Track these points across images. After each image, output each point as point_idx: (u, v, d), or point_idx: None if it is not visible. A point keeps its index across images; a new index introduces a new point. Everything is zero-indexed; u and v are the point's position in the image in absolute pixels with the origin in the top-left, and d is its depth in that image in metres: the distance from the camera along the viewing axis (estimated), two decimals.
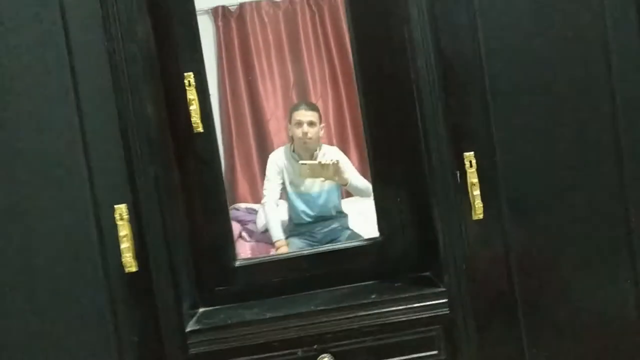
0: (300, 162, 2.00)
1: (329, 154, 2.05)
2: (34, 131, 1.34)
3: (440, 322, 1.39)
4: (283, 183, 2.08)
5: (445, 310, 1.38)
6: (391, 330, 1.40)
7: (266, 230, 2.11)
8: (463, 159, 1.34)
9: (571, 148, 1.38)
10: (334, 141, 2.22)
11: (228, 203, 1.59)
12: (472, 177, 1.33)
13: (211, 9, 2.21)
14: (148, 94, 1.37)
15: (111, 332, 1.37)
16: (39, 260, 1.36)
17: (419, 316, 1.40)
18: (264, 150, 2.22)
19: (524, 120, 1.37)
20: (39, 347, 1.38)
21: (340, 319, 1.40)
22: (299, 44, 2.26)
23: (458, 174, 1.35)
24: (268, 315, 1.42)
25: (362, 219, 1.97)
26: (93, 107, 1.34)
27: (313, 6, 2.26)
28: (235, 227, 2.03)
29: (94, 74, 1.33)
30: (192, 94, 1.47)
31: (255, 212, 2.19)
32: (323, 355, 1.39)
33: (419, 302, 1.40)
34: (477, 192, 1.33)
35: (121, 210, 1.33)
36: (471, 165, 1.34)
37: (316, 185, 2.05)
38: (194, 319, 1.46)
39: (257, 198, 2.18)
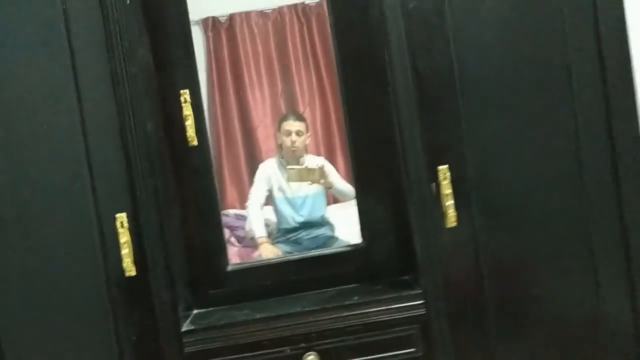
0: (288, 167, 2.12)
1: (315, 160, 2.18)
2: (42, 144, 1.46)
3: (417, 322, 1.50)
4: (270, 190, 2.18)
5: (422, 311, 1.49)
6: (372, 329, 1.50)
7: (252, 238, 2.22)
8: (437, 172, 1.45)
9: (536, 161, 1.48)
10: (322, 149, 2.31)
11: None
12: (446, 189, 1.44)
13: (201, 20, 2.29)
14: (147, 111, 1.49)
15: (111, 332, 1.48)
16: (43, 264, 1.47)
17: (398, 316, 1.50)
18: (253, 158, 2.31)
19: (494, 136, 1.48)
20: (42, 346, 1.49)
21: (325, 319, 1.51)
22: (288, 54, 2.34)
23: (433, 186, 1.46)
24: (258, 316, 1.52)
25: (347, 227, 2.04)
26: (97, 123, 1.46)
27: (302, 17, 2.34)
28: (225, 233, 2.13)
29: (98, 92, 1.45)
30: (187, 110, 1.58)
31: (243, 218, 2.27)
32: (309, 353, 1.49)
33: (397, 304, 1.50)
34: (450, 202, 1.44)
35: (122, 218, 1.45)
36: (445, 178, 1.44)
37: (302, 190, 2.16)
38: (189, 319, 1.57)
39: (245, 204, 2.26)
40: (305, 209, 2.18)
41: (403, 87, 1.46)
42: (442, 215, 1.46)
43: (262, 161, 2.28)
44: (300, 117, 2.23)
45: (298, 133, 2.17)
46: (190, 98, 1.59)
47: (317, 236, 2.15)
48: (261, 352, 1.50)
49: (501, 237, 1.50)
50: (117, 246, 1.45)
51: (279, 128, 2.22)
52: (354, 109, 1.66)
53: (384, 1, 1.45)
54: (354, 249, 1.70)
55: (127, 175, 1.46)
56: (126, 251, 1.45)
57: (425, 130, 1.47)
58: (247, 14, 2.34)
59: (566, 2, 1.47)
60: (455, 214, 1.45)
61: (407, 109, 1.46)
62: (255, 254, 2.16)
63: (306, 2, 2.35)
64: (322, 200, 2.19)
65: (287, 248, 2.14)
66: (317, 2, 2.33)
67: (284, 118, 2.25)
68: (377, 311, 1.51)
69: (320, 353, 1.50)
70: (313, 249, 2.08)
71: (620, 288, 1.51)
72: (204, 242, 1.64)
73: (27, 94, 1.45)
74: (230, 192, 2.33)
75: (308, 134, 2.21)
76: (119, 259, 1.45)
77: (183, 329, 1.51)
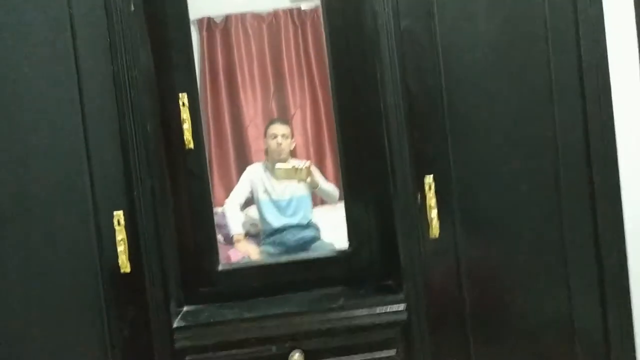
0: (277, 165, 2.19)
1: (301, 163, 2.25)
2: (44, 142, 1.52)
3: (399, 325, 1.57)
4: (252, 193, 2.26)
5: (404, 315, 1.57)
6: (356, 331, 1.58)
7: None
8: (423, 183, 1.54)
9: (516, 177, 1.58)
10: (311, 151, 2.36)
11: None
12: (431, 199, 1.53)
13: (197, 20, 2.32)
14: (147, 112, 1.55)
15: (104, 326, 1.54)
16: (39, 259, 1.53)
17: (380, 320, 1.58)
18: (242, 157, 2.35)
19: (477, 151, 1.57)
20: (33, 338, 1.55)
21: (311, 320, 1.58)
22: (281, 57, 2.39)
23: (419, 196, 1.55)
24: (247, 315, 1.59)
25: (331, 229, 2.14)
26: (98, 122, 1.52)
27: (297, 21, 2.38)
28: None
29: (100, 93, 1.52)
30: (185, 114, 1.65)
31: None
32: (294, 352, 1.56)
33: (380, 307, 1.58)
34: (434, 212, 1.53)
35: (119, 216, 1.52)
36: (430, 189, 1.54)
37: (287, 193, 2.24)
38: (179, 316, 1.62)
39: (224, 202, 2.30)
40: (290, 211, 2.25)
41: (393, 102, 1.54)
42: (426, 224, 1.54)
43: (251, 161, 2.34)
44: (285, 122, 2.33)
45: (284, 136, 2.26)
46: (188, 101, 1.66)
47: (302, 238, 2.21)
48: (248, 349, 1.57)
49: (481, 247, 1.59)
50: (113, 243, 1.52)
51: (265, 133, 2.30)
52: (345, 117, 1.73)
53: (378, 19, 1.54)
54: (341, 254, 1.77)
55: (126, 174, 1.53)
56: (122, 248, 1.52)
57: (413, 143, 1.55)
58: (243, 15, 2.38)
59: (551, 29, 1.56)
60: (438, 224, 1.54)
61: (396, 124, 1.54)
62: (231, 251, 2.22)
63: (302, 8, 2.39)
64: (307, 202, 2.26)
65: (272, 249, 2.20)
66: (313, 8, 2.38)
67: (270, 123, 2.33)
68: (361, 314, 1.59)
69: (305, 352, 1.57)
70: (298, 250, 2.15)
71: (591, 297, 1.60)
72: (197, 242, 1.71)
73: (31, 92, 1.52)
74: (218, 190, 2.35)
75: (293, 139, 2.29)
76: (114, 256, 1.52)
77: (174, 325, 1.57)
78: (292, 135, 2.30)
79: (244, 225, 2.29)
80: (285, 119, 2.35)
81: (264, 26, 2.42)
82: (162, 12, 1.67)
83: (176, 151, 1.68)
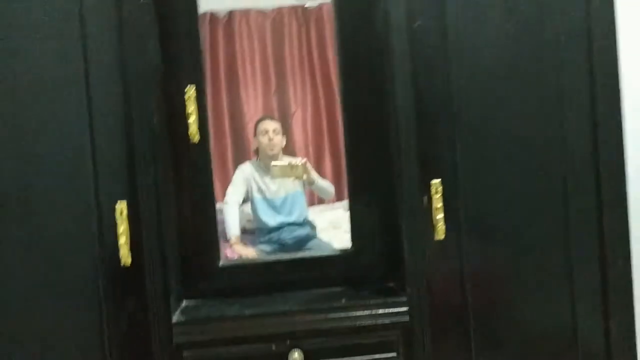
0: (273, 163, 2.17)
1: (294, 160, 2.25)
2: (48, 129, 1.53)
3: (400, 328, 1.57)
4: (247, 192, 2.24)
5: (405, 318, 1.57)
6: (356, 332, 1.58)
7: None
8: (430, 185, 1.55)
9: (524, 184, 1.59)
10: (310, 149, 2.35)
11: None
12: (437, 202, 1.54)
13: (200, 15, 2.31)
14: (153, 104, 1.56)
15: (103, 318, 1.54)
16: (40, 249, 1.54)
17: (382, 321, 1.58)
18: (240, 153, 2.33)
19: (486, 153, 1.58)
20: (32, 329, 1.55)
21: (311, 319, 1.59)
22: (284, 55, 2.38)
23: (425, 199, 1.55)
24: (247, 312, 1.60)
25: (331, 229, 2.14)
26: (103, 112, 1.53)
27: (301, 19, 2.39)
28: None
29: (107, 82, 1.52)
30: (191, 107, 1.64)
31: None
32: (294, 350, 1.56)
33: (382, 309, 1.58)
34: (440, 215, 1.54)
35: (122, 206, 1.52)
36: (437, 192, 1.54)
37: (282, 191, 2.23)
38: (178, 310, 1.63)
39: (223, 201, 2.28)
40: (285, 209, 2.24)
41: (403, 103, 1.55)
42: (432, 227, 1.55)
43: (250, 157, 2.33)
44: (274, 119, 2.31)
45: (275, 131, 2.24)
46: (196, 95, 1.65)
47: (298, 236, 2.20)
48: (248, 346, 1.57)
49: (485, 252, 1.60)
50: (114, 235, 1.52)
51: (255, 131, 2.29)
52: (353, 116, 1.74)
53: (390, 18, 1.55)
54: (343, 253, 1.77)
55: (129, 164, 1.53)
56: (123, 240, 1.52)
57: (421, 145, 1.56)
58: (247, 11, 2.38)
59: (563, 31, 1.58)
60: (444, 227, 1.55)
61: (406, 124, 1.55)
62: (227, 250, 2.19)
63: (306, 6, 2.39)
64: (302, 200, 2.25)
65: (268, 248, 2.19)
66: (317, 6, 2.38)
67: (260, 120, 2.31)
68: (362, 315, 1.59)
69: (304, 351, 1.57)
70: (294, 248, 2.14)
71: (594, 305, 1.61)
72: (198, 237, 1.71)
73: (37, 79, 1.52)
74: (217, 187, 2.34)
75: (284, 136, 2.28)
76: (115, 248, 1.52)
77: (174, 320, 1.57)
78: (283, 132, 2.28)
79: (239, 222, 2.28)
80: (273, 117, 2.34)
81: (268, 23, 2.41)
82: (170, 4, 1.67)
83: (181, 144, 1.68)
